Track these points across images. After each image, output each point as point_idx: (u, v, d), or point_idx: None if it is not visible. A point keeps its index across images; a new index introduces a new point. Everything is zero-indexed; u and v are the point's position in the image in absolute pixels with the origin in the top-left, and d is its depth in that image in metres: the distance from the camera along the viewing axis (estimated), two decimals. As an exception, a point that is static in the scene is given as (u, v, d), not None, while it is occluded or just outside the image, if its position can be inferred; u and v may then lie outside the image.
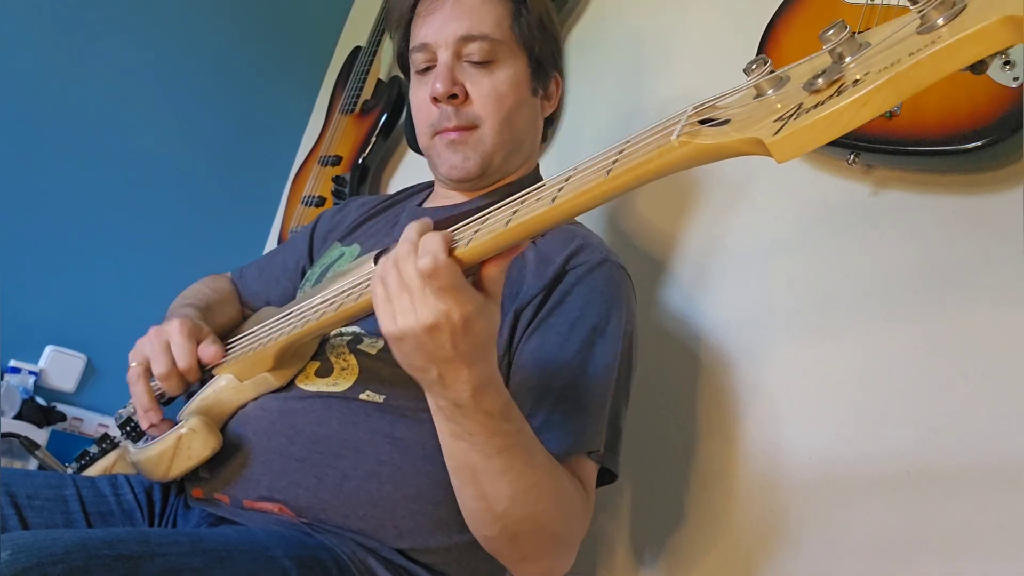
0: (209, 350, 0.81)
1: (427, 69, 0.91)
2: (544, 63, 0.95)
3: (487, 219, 0.55)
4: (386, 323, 0.56)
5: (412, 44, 0.93)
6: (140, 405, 0.80)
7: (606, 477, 0.78)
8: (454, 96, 0.88)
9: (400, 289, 0.55)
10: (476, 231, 0.54)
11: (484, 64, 0.89)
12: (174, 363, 0.79)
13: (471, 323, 0.54)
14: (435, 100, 0.88)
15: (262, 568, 0.62)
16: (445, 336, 0.54)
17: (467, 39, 0.88)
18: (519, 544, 0.67)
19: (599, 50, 1.38)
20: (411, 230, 0.56)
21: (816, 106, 0.36)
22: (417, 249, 0.54)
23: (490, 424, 0.59)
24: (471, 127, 0.89)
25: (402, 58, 0.99)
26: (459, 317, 0.53)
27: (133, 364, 0.81)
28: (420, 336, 0.54)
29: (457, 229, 0.57)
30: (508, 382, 0.77)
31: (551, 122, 1.03)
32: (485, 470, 0.61)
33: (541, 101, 0.97)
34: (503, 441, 0.60)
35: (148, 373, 0.80)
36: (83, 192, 1.75)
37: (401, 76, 1.78)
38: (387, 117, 1.73)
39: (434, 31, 0.90)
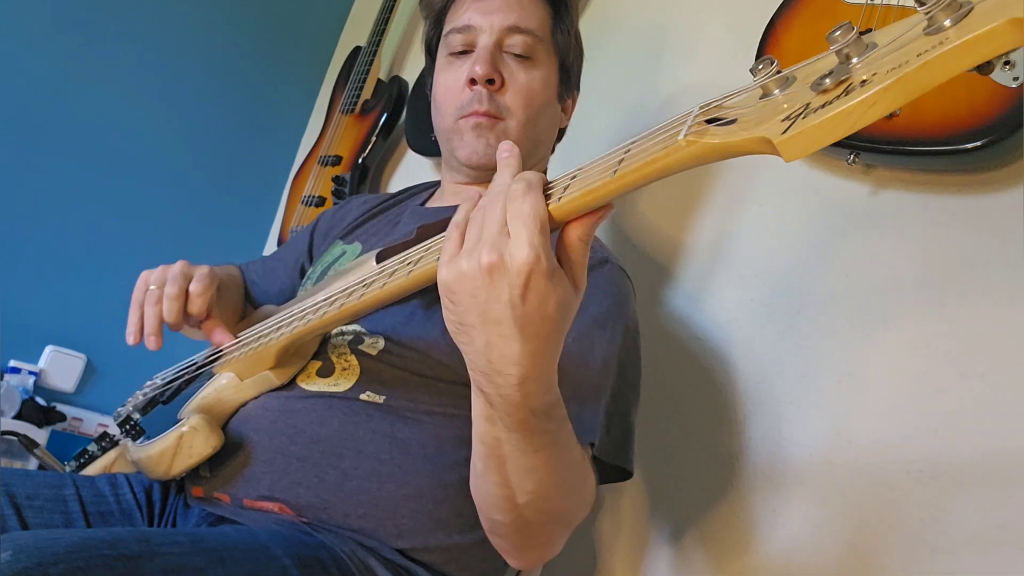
0: (218, 333, 0.83)
1: (463, 53, 0.92)
2: (571, 74, 0.98)
3: None
4: (441, 266, 0.50)
5: (453, 25, 0.93)
6: (149, 326, 0.80)
7: (619, 474, 0.77)
8: (491, 81, 0.88)
9: (477, 230, 0.49)
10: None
11: (523, 59, 0.90)
12: (186, 290, 0.81)
13: (538, 284, 0.46)
14: (472, 82, 0.88)
15: (262, 567, 0.62)
16: (502, 284, 0.46)
17: (513, 30, 0.90)
18: (528, 533, 0.64)
19: (600, 49, 1.38)
20: (518, 179, 0.49)
21: (824, 106, 0.37)
22: (507, 193, 0.48)
23: (531, 422, 0.53)
24: (499, 116, 0.89)
25: (431, 41, 0.99)
26: (540, 271, 0.46)
27: (152, 287, 0.82)
28: (477, 279, 0.47)
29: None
30: None
31: (558, 137, 1.04)
32: (515, 463, 0.57)
33: (560, 111, 0.99)
34: (540, 440, 0.55)
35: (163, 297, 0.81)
36: (83, 192, 1.75)
37: (402, 77, 1.79)
38: (387, 117, 1.73)
39: (481, 16, 0.90)
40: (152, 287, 0.82)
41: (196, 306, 0.82)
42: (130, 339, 0.81)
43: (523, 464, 0.56)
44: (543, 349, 0.49)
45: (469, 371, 0.53)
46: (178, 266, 0.84)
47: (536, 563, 0.70)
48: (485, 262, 0.46)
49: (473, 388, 0.55)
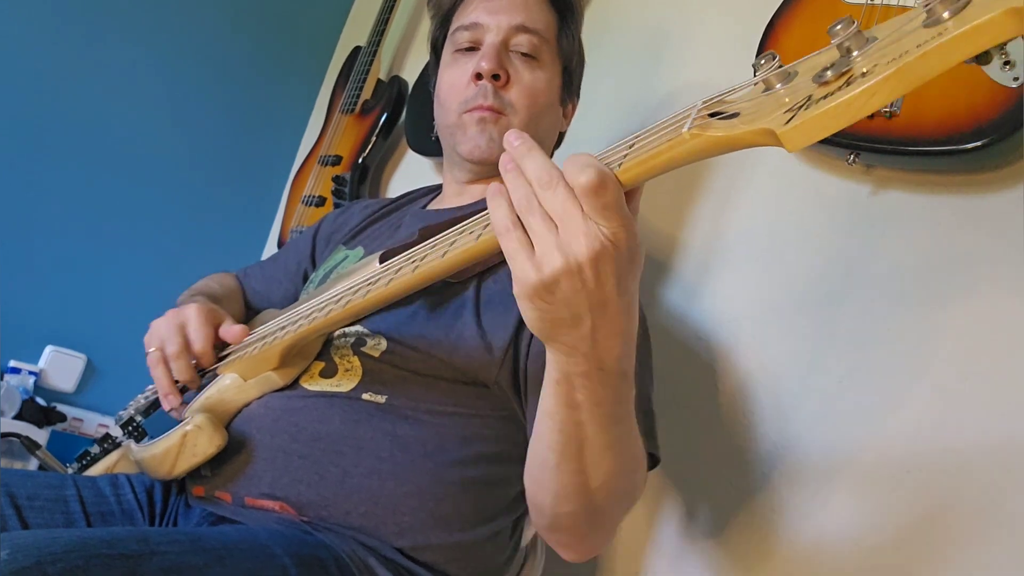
0: (233, 330, 0.82)
1: (469, 49, 0.93)
2: (573, 79, 1.00)
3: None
4: (528, 273, 0.47)
5: (460, 22, 0.94)
6: (161, 388, 0.81)
7: (649, 462, 0.77)
8: (496, 77, 0.89)
9: (546, 226, 0.46)
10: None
11: (528, 58, 0.92)
12: (187, 345, 0.80)
13: (635, 252, 0.47)
14: (478, 77, 0.90)
15: (262, 566, 0.62)
16: (609, 268, 0.46)
17: (520, 29, 0.91)
18: (594, 520, 0.64)
19: (600, 49, 1.38)
20: (535, 162, 0.48)
21: (826, 97, 0.37)
22: (563, 175, 0.46)
23: (623, 389, 0.53)
24: (502, 112, 0.90)
25: (437, 40, 1.01)
26: (626, 242, 0.46)
27: (151, 349, 0.82)
28: (583, 271, 0.45)
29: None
30: (527, 369, 0.77)
31: (558, 142, 1.04)
32: (595, 443, 0.56)
33: (561, 115, 0.99)
34: (624, 409, 0.55)
35: (166, 358, 0.81)
36: (83, 192, 1.75)
37: (402, 77, 1.79)
38: (387, 117, 1.73)
39: (489, 15, 0.92)
40: (151, 350, 0.82)
41: (205, 361, 0.81)
42: (165, 406, 0.82)
43: (601, 442, 0.56)
44: (635, 311, 0.52)
45: (563, 360, 0.52)
46: (169, 322, 0.82)
47: (595, 552, 0.70)
48: (587, 250, 0.45)
49: (556, 384, 0.54)
